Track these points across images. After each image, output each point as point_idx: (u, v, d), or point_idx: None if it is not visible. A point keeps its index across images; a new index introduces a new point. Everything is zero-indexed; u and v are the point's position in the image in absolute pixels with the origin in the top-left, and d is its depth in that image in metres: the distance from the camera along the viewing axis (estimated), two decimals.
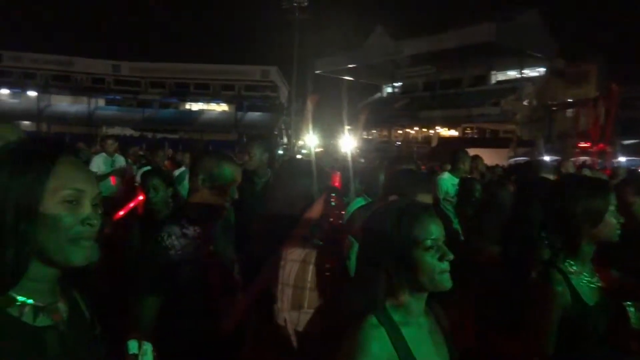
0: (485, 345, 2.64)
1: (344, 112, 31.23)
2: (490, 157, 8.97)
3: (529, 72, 38.11)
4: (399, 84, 46.35)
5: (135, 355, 1.08)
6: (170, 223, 2.05)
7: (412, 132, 45.61)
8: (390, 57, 41.09)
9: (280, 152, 23.71)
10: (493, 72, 40.73)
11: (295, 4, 29.14)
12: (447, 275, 1.36)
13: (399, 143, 40.49)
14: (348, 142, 20.93)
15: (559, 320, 1.77)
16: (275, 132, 39.31)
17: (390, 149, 29.97)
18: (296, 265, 1.77)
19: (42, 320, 0.99)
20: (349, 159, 10.38)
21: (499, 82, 40.14)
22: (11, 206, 0.94)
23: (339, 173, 1.91)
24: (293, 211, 1.85)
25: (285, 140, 33.82)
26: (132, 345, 1.09)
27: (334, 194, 1.75)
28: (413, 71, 43.21)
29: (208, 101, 46.39)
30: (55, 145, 1.03)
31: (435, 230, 1.37)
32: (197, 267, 1.99)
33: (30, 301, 0.99)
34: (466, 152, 5.73)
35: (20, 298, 0.97)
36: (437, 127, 40.79)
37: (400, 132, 45.75)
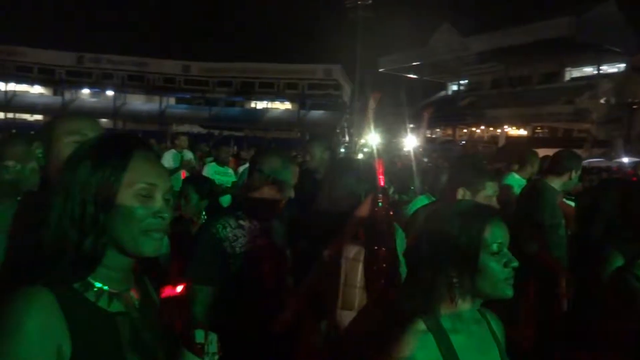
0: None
1: (406, 110, 30.72)
2: None
3: (607, 69, 35.79)
4: (465, 81, 45.00)
5: (202, 344, 1.12)
6: (227, 215, 2.10)
7: (478, 131, 44.13)
8: (457, 54, 39.96)
9: (342, 150, 23.64)
10: (567, 69, 38.64)
11: (359, 2, 28.92)
12: (510, 283, 1.30)
13: (464, 142, 39.31)
14: (411, 141, 20.56)
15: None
16: (338, 131, 39.32)
17: (454, 148, 29.11)
18: (346, 263, 1.76)
19: (116, 306, 1.04)
20: (412, 157, 10.22)
21: (573, 79, 37.99)
22: (91, 198, 1.00)
23: (381, 160, 1.87)
24: (338, 209, 1.84)
25: (347, 138, 33.73)
26: (199, 335, 1.12)
27: (381, 194, 1.72)
28: (480, 68, 41.79)
29: (272, 99, 47.26)
30: (131, 141, 1.09)
31: (501, 235, 1.31)
32: (252, 260, 2.02)
33: (106, 288, 1.04)
34: (535, 152, 5.49)
35: (97, 284, 1.03)
36: (504, 126, 39.23)
37: (465, 130, 44.43)
